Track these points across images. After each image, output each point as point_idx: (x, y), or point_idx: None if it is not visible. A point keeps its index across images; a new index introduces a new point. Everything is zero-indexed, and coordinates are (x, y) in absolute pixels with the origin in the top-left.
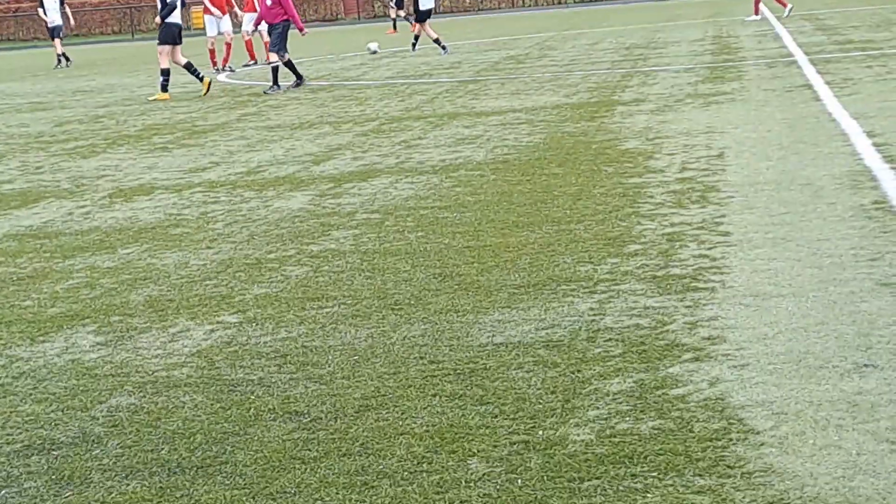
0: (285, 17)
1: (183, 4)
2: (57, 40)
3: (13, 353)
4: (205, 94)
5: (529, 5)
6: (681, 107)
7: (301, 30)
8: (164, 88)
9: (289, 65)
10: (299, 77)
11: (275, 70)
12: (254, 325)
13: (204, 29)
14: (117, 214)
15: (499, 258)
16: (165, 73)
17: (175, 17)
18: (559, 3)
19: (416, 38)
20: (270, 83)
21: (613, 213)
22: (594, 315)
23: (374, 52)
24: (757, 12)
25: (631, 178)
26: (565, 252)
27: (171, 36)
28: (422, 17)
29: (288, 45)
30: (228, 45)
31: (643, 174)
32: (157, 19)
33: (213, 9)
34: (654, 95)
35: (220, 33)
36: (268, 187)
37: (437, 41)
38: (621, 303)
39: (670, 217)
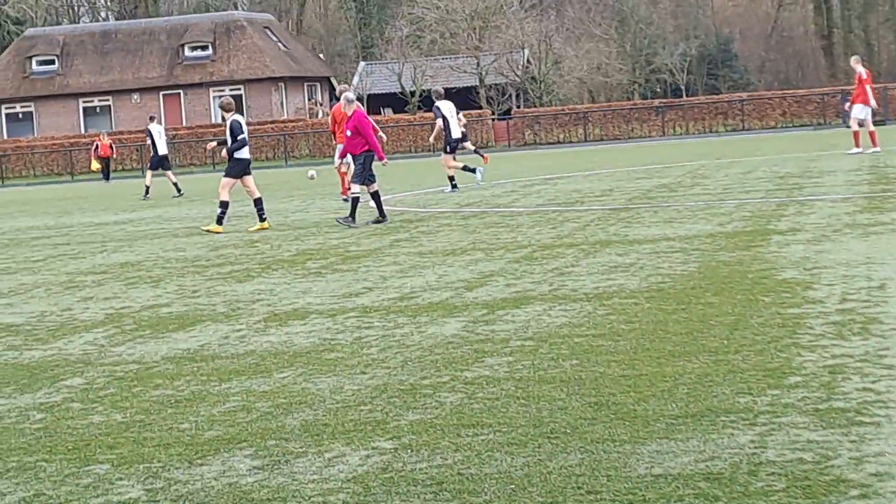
0: (366, 148)
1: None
2: (169, 172)
3: (171, 475)
4: (254, 230)
5: (680, 133)
6: (839, 237)
7: (381, 159)
8: (220, 221)
9: (375, 197)
10: (382, 214)
11: (354, 201)
12: (409, 451)
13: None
14: (272, 338)
15: (655, 388)
16: (224, 205)
17: (244, 153)
18: (710, 131)
19: (473, 169)
20: (347, 214)
21: (772, 344)
22: (755, 448)
23: (312, 178)
24: (857, 144)
25: (789, 308)
26: (723, 383)
27: (240, 170)
28: (454, 146)
29: (376, 177)
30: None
31: (801, 304)
32: (225, 153)
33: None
34: (810, 225)
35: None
36: (421, 313)
37: (452, 177)
38: (783, 436)
39: (831, 349)
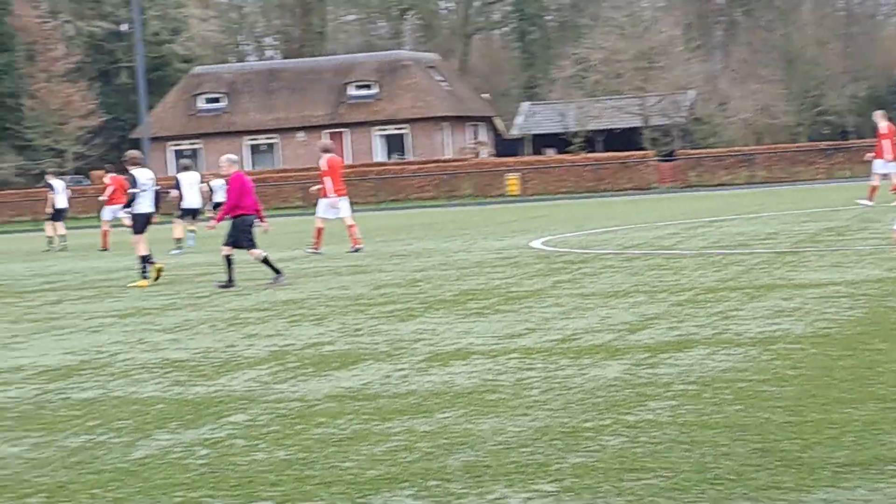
0: (240, 212)
1: (157, 196)
2: (60, 223)
3: None
4: (131, 285)
5: (848, 176)
6: None
7: (211, 227)
8: (143, 276)
9: (227, 260)
10: (231, 281)
11: (265, 261)
12: (571, 494)
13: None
14: (434, 378)
15: (821, 434)
16: (143, 258)
17: (143, 207)
18: None
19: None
20: (274, 274)
21: None
22: None
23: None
24: (871, 199)
25: None
26: (892, 431)
27: (142, 225)
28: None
29: (237, 242)
30: (318, 230)
31: None
32: (124, 211)
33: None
34: None
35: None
36: (583, 355)
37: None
38: None
39: None
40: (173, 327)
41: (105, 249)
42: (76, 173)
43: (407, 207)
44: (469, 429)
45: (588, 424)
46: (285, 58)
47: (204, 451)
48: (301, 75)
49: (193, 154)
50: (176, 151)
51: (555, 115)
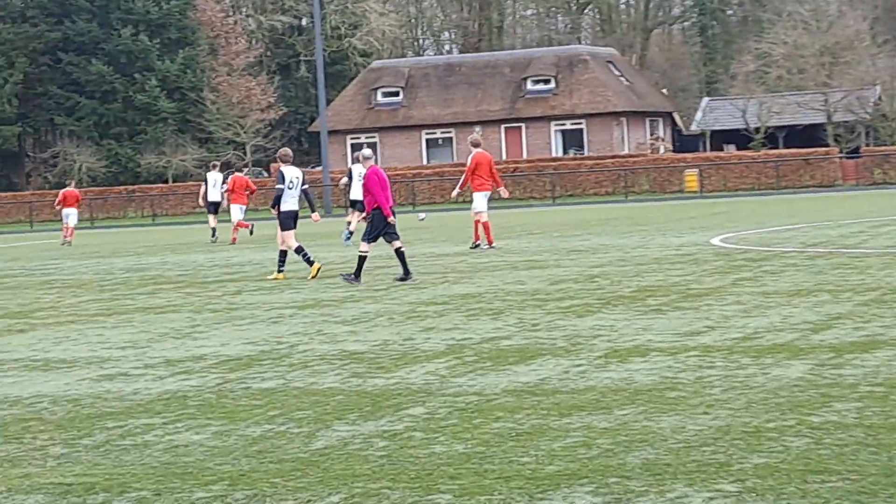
0: (376, 206)
1: (305, 193)
2: (213, 216)
3: None
4: (310, 277)
5: None
6: None
7: (386, 216)
8: (309, 262)
9: (398, 254)
10: (406, 272)
11: (360, 259)
12: (754, 495)
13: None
14: (612, 375)
15: None
16: (298, 250)
17: (288, 204)
18: None
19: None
20: (353, 271)
21: None
22: None
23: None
24: None
25: None
26: None
27: (289, 222)
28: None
29: (398, 234)
30: (485, 224)
31: None
32: (273, 210)
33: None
34: None
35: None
36: (765, 354)
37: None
38: None
39: None
40: (351, 319)
41: (250, 231)
42: (255, 165)
43: (583, 203)
44: (649, 426)
45: (771, 425)
46: (462, 52)
47: (383, 443)
48: (478, 70)
49: (370, 147)
50: (353, 144)
51: (735, 111)
